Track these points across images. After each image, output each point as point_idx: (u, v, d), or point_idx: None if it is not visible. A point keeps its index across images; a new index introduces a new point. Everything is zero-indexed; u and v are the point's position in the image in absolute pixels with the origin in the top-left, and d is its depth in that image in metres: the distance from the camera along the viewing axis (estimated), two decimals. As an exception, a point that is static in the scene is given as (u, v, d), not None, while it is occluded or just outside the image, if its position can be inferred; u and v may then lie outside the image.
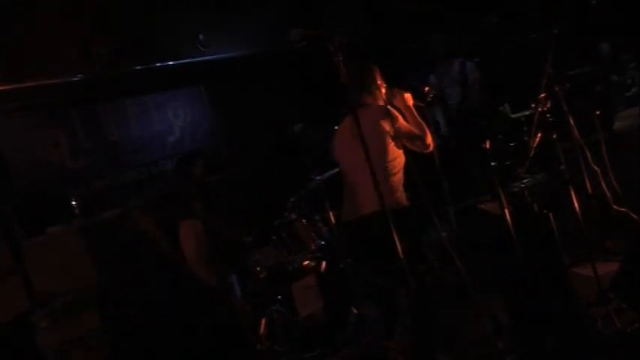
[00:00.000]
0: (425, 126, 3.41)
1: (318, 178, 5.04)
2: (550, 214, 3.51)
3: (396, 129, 3.35)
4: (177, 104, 6.38)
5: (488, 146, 3.58)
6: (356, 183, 3.48)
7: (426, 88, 4.63)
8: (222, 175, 5.30)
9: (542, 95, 3.61)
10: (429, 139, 3.41)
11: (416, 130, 3.41)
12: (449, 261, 4.38)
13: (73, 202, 5.05)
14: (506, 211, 3.38)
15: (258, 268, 4.64)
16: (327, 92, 3.65)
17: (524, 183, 3.96)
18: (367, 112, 3.37)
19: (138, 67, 5.63)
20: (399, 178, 3.45)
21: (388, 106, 3.48)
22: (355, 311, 4.57)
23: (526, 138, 4.27)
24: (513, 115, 5.13)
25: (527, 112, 4.87)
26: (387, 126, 3.35)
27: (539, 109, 3.62)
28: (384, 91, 3.55)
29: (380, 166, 3.26)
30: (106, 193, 5.62)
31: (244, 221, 5.27)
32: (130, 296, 4.62)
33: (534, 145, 3.71)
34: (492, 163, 3.66)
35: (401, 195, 3.43)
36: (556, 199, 3.81)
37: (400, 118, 3.37)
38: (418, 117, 3.44)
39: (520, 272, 3.51)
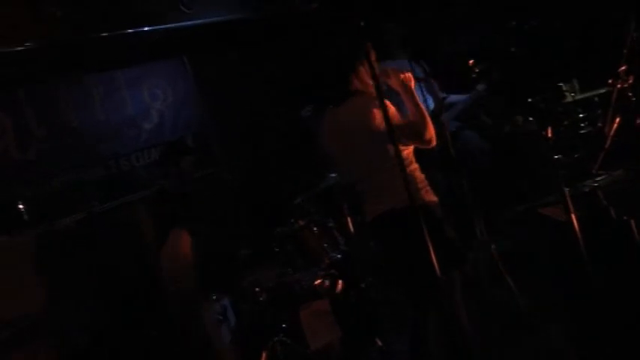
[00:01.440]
0: (425, 115, 3.44)
1: (332, 175, 5.08)
2: (631, 221, 3.52)
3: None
4: (155, 82, 6.47)
5: (550, 134, 3.59)
6: (369, 177, 3.62)
7: (471, 61, 4.66)
8: (211, 172, 5.34)
9: (623, 68, 3.61)
10: (429, 134, 3.43)
11: (411, 122, 3.46)
12: (499, 279, 4.45)
13: (21, 206, 5.07)
14: (574, 216, 3.39)
15: (257, 289, 4.71)
16: (342, 66, 3.70)
17: (597, 181, 3.98)
18: (355, 102, 3.56)
19: (103, 34, 5.66)
20: (413, 169, 3.51)
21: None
22: (379, 343, 4.61)
23: (600, 124, 4.28)
24: (583, 94, 5.14)
25: (602, 90, 4.88)
26: (378, 116, 3.46)
27: (619, 86, 3.63)
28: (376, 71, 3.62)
29: (385, 161, 3.44)
30: (63, 194, 5.70)
31: (239, 229, 5.32)
32: (93, 327, 4.67)
33: (611, 132, 3.71)
34: (556, 156, 3.67)
35: (421, 190, 3.47)
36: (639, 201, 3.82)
37: (392, 108, 3.42)
38: (420, 104, 3.47)
39: (591, 295, 3.53)
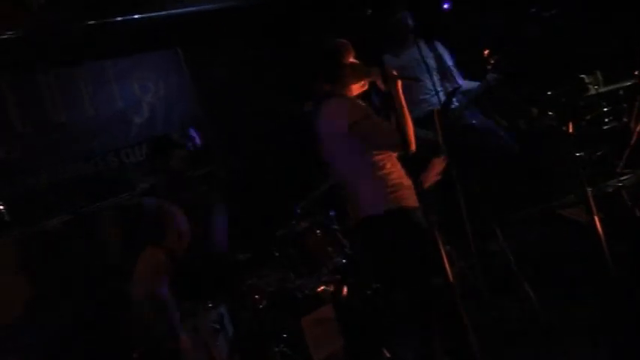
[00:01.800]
0: (406, 121, 3.44)
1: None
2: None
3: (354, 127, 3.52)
4: (146, 74, 6.45)
5: (571, 130, 3.58)
6: (345, 183, 3.72)
7: (486, 51, 4.66)
8: (206, 171, 5.32)
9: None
10: (404, 142, 3.41)
11: (386, 128, 3.48)
12: (515, 288, 4.43)
13: (1, 207, 5.08)
14: (597, 218, 3.38)
15: (256, 296, 4.70)
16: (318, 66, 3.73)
17: (621, 181, 3.96)
18: (329, 104, 3.63)
19: (90, 22, 5.65)
20: (384, 174, 3.56)
21: (354, 99, 3.65)
22: (387, 355, 4.59)
23: (625, 118, 4.26)
24: (607, 87, 5.12)
25: (627, 83, 4.86)
26: (350, 120, 3.53)
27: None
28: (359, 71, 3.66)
29: (363, 162, 3.55)
30: (48, 194, 5.69)
31: (237, 232, 5.30)
32: (77, 332, 4.65)
33: (637, 128, 3.70)
34: (577, 154, 3.65)
35: (400, 194, 3.52)
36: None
37: (360, 115, 3.49)
38: (404, 109, 3.48)
39: (616, 304, 3.51)
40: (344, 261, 4.92)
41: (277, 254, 5.06)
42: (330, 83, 3.68)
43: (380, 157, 3.58)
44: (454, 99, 5.70)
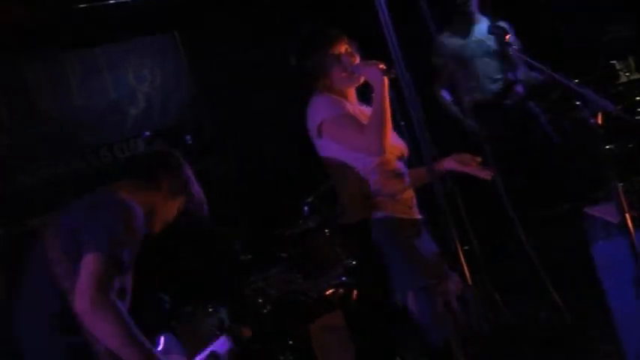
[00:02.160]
0: (383, 124, 3.41)
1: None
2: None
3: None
4: (141, 61, 6.45)
5: (600, 121, 3.55)
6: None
7: (507, 36, 4.65)
8: (206, 166, 5.31)
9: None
10: (376, 145, 3.39)
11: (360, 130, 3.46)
12: (540, 292, 4.42)
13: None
14: (628, 216, 3.35)
15: (260, 300, 4.73)
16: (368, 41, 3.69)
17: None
18: (313, 101, 3.62)
19: (81, 5, 5.65)
20: (377, 179, 3.56)
21: (332, 96, 3.61)
22: (402, 364, 4.59)
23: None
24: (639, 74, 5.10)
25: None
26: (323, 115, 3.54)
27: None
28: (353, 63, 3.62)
29: (337, 170, 3.60)
30: (34, 191, 5.71)
31: (239, 231, 5.30)
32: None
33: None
34: (607, 147, 3.63)
35: (378, 203, 3.54)
36: None
37: (332, 112, 3.49)
38: (385, 108, 3.44)
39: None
40: (354, 262, 4.91)
41: (282, 255, 5.08)
42: (314, 75, 3.65)
43: (366, 164, 3.55)
44: (513, 90, 5.64)
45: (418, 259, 3.47)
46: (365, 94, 3.66)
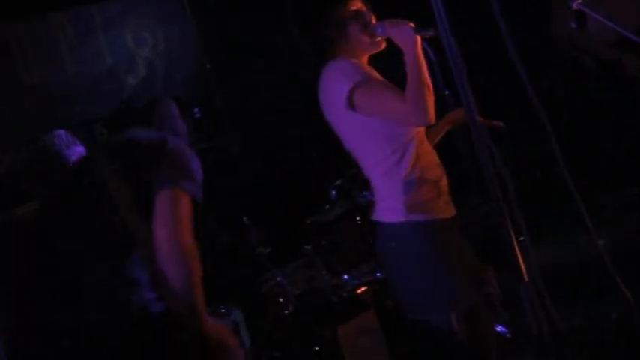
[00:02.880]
0: (423, 89, 3.34)
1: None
2: None
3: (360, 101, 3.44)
4: (142, 22, 6.45)
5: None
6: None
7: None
8: (216, 144, 5.30)
9: None
10: (422, 115, 3.31)
11: (399, 99, 3.37)
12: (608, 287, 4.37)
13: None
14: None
15: (280, 299, 4.70)
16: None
17: None
18: (328, 69, 3.54)
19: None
20: (416, 176, 3.49)
21: (353, 60, 3.54)
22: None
23: None
24: None
25: None
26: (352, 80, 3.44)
27: None
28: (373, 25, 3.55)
29: (376, 158, 3.52)
30: (18, 175, 5.67)
31: (256, 220, 5.27)
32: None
33: None
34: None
35: (425, 203, 3.47)
36: None
37: (359, 77, 3.40)
38: (423, 70, 3.37)
39: None
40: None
41: (306, 247, 5.04)
42: (329, 38, 3.59)
43: (399, 138, 3.50)
44: None
45: (463, 273, 3.44)
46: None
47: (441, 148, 3.72)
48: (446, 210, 3.50)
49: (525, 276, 3.04)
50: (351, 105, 3.42)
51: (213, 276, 5.09)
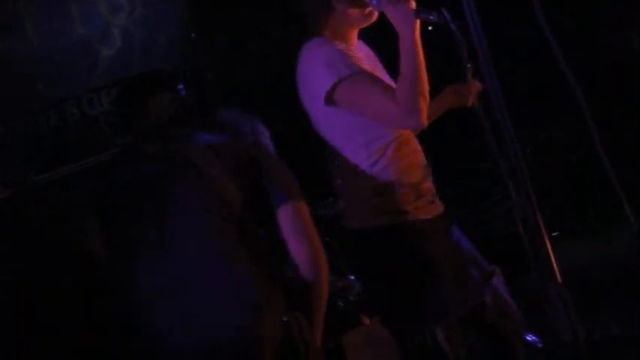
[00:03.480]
0: (420, 87, 3.25)
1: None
2: None
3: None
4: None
5: None
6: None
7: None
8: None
9: None
10: (412, 119, 3.25)
11: (389, 95, 3.31)
12: None
13: None
14: None
15: None
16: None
17: None
18: (305, 51, 3.57)
19: None
20: (390, 180, 3.48)
21: (336, 44, 3.49)
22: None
23: None
24: None
25: None
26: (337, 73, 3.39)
27: None
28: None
29: (349, 158, 3.57)
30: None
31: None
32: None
33: None
34: None
35: (399, 207, 3.48)
36: None
37: (348, 69, 3.35)
38: (421, 63, 3.28)
39: None
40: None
41: None
42: (310, 9, 3.55)
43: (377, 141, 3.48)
44: None
45: (448, 279, 3.44)
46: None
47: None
48: (425, 210, 3.48)
49: (558, 277, 2.98)
50: (331, 101, 3.38)
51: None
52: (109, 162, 4.67)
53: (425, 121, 3.24)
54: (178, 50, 6.49)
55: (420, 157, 3.55)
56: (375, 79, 3.35)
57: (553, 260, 2.97)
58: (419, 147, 3.57)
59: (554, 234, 3.93)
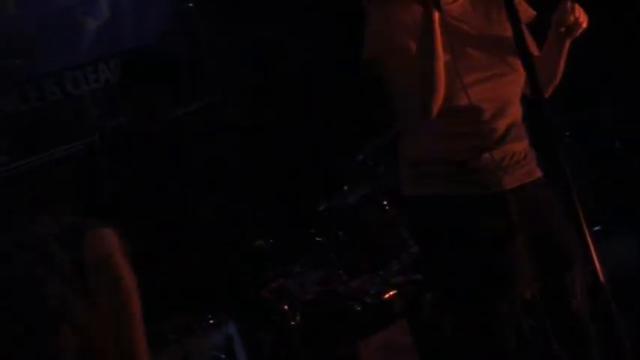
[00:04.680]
0: (431, 78, 3.32)
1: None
2: None
3: None
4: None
5: None
6: None
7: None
8: (204, 105, 5.29)
9: None
10: (428, 102, 3.34)
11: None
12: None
13: None
14: None
15: (285, 307, 4.71)
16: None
17: None
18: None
19: None
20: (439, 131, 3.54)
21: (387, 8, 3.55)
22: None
23: None
24: None
25: None
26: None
27: None
28: None
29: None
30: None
31: (253, 204, 5.27)
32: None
33: None
34: None
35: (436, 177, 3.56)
36: None
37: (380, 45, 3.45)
38: (438, 53, 3.33)
39: None
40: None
41: (318, 240, 5.10)
42: None
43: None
44: None
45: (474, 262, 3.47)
46: None
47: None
48: (468, 187, 3.52)
49: (601, 277, 3.00)
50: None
51: (200, 277, 5.14)
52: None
53: (431, 114, 3.35)
54: (173, 20, 6.49)
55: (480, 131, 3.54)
56: (406, 63, 3.43)
57: (595, 258, 3.01)
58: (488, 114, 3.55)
59: (596, 228, 3.93)
